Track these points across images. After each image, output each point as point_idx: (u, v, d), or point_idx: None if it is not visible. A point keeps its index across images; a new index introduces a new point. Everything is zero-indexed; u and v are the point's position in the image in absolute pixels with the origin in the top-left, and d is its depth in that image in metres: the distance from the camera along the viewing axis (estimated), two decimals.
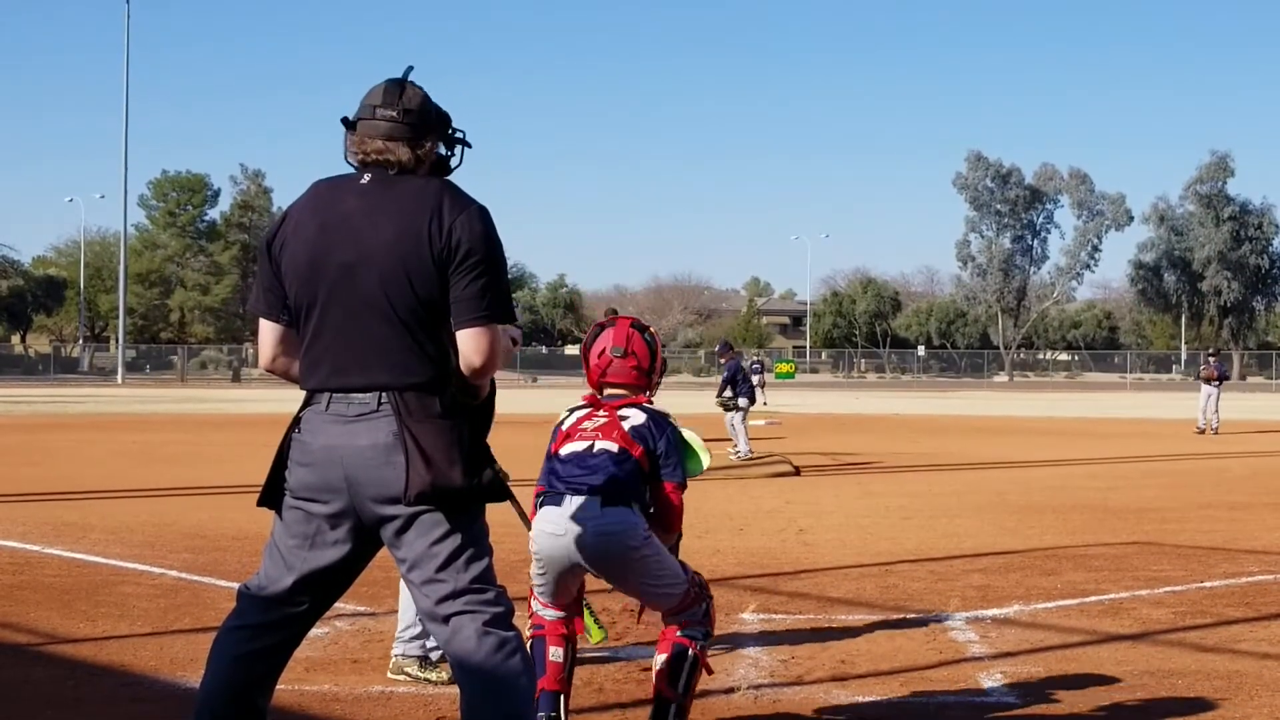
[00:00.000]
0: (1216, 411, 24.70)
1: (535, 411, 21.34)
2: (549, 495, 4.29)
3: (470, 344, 3.36)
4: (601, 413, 4.43)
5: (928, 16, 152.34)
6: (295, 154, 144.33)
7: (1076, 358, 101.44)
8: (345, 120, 3.55)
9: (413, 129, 3.49)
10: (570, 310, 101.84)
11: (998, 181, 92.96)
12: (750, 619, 6.45)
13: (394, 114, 3.48)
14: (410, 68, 3.60)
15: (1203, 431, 24.40)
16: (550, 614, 4.40)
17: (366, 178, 3.47)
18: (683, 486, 4.43)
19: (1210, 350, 28.02)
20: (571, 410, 4.53)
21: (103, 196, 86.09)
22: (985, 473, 15.94)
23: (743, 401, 17.38)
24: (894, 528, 10.22)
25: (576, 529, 4.18)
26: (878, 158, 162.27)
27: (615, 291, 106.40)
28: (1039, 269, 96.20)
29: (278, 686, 3.55)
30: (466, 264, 3.35)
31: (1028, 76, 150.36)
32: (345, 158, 3.57)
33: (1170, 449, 20.29)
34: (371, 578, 7.53)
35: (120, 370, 64.78)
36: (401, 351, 3.35)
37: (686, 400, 37.92)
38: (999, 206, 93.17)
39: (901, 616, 6.57)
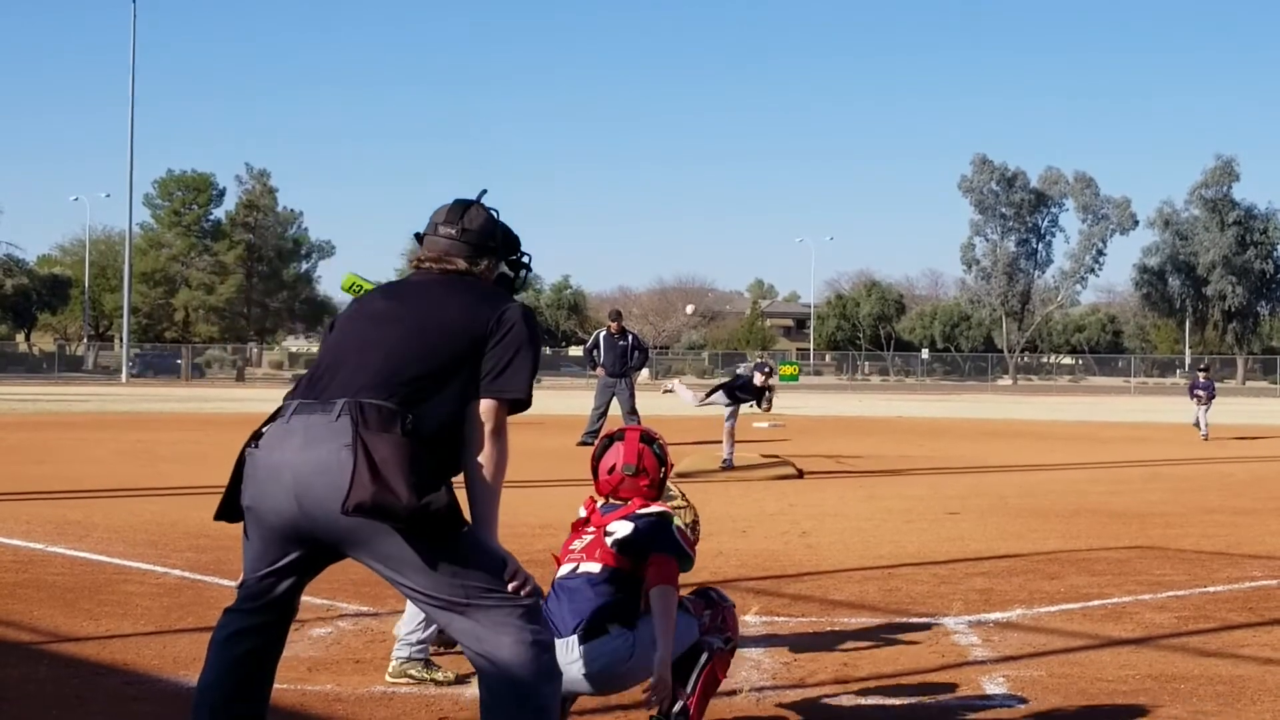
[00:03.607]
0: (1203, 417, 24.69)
1: (538, 413, 21.32)
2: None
3: (487, 410, 3.44)
4: (590, 529, 4.44)
5: (933, 20, 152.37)
6: (301, 153, 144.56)
7: (1080, 361, 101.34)
8: (417, 235, 3.75)
9: (471, 248, 3.65)
10: (574, 311, 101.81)
11: (1003, 185, 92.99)
12: (753, 621, 6.45)
13: (454, 232, 3.65)
14: (484, 191, 3.77)
15: (1208, 438, 24.41)
16: None
17: (424, 270, 3.67)
18: (678, 557, 4.32)
19: (1202, 366, 28.12)
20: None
21: (108, 195, 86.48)
22: (988, 476, 15.93)
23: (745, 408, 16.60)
24: (897, 531, 10.21)
25: (571, 670, 4.11)
26: (882, 160, 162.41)
27: (619, 293, 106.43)
28: (1043, 272, 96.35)
29: (280, 686, 3.58)
30: (502, 343, 3.47)
31: (1033, 80, 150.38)
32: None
33: (1174, 453, 20.27)
34: (374, 578, 7.55)
35: (124, 369, 64.85)
36: (390, 379, 3.40)
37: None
38: (1004, 210, 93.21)
39: (904, 619, 6.57)
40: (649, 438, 4.64)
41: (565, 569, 4.37)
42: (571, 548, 4.43)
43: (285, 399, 3.54)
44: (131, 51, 64.08)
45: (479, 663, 3.41)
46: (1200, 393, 24.82)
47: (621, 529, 4.37)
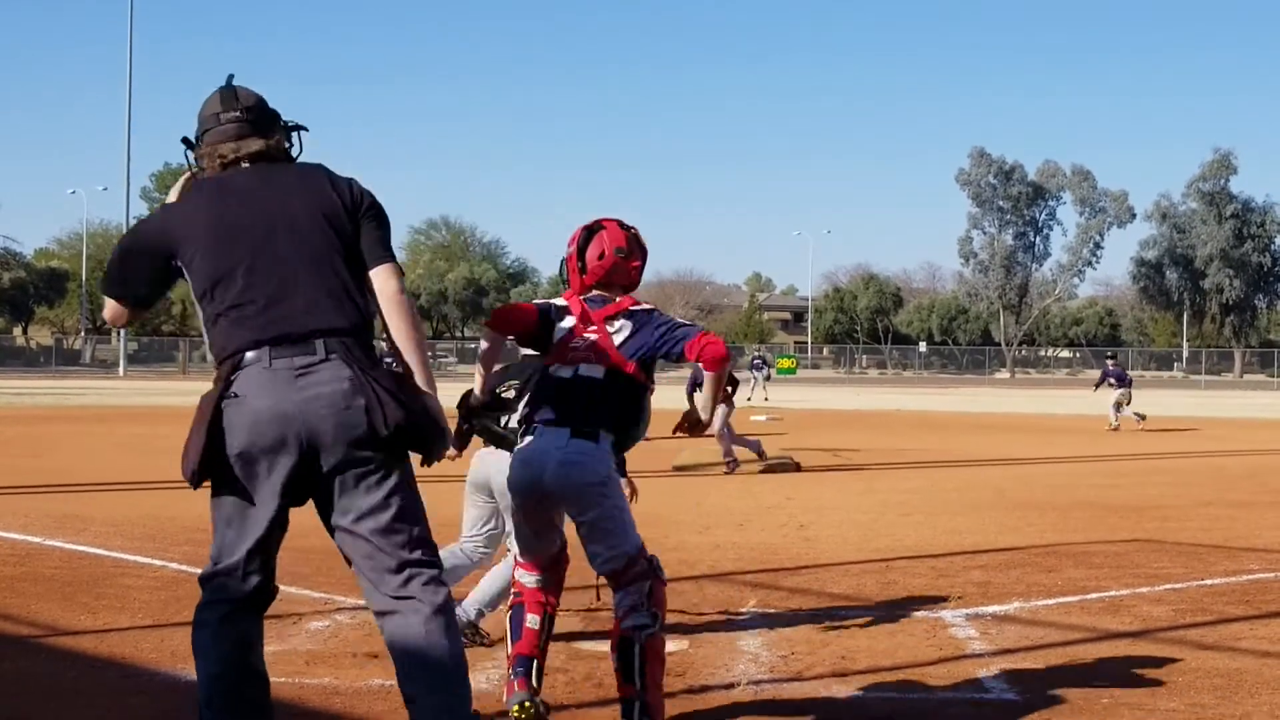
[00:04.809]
0: (1122, 409, 24.61)
1: None
2: (530, 429, 4.35)
3: (385, 277, 3.59)
4: (592, 328, 4.40)
5: (931, 12, 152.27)
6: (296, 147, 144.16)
7: (1078, 355, 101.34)
8: (187, 140, 3.74)
9: (256, 125, 3.69)
10: None
11: (1000, 178, 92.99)
12: (750, 614, 6.46)
13: (238, 114, 3.68)
14: (231, 75, 3.80)
15: (1116, 428, 24.37)
16: (531, 580, 4.52)
17: (246, 165, 3.64)
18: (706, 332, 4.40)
19: (1109, 355, 28.27)
20: (558, 310, 4.48)
21: (105, 189, 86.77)
22: (986, 469, 15.94)
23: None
24: (894, 524, 10.22)
25: (544, 460, 4.23)
26: (880, 153, 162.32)
27: None
28: (1041, 266, 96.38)
29: (278, 679, 3.58)
30: (371, 213, 3.64)
31: (1031, 73, 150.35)
32: (195, 173, 3.72)
33: (1171, 447, 20.29)
34: None
35: (122, 363, 64.81)
36: (334, 299, 3.52)
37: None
38: (1001, 203, 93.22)
39: (902, 613, 6.57)
40: (627, 224, 4.60)
41: (566, 371, 4.34)
42: (573, 345, 4.37)
43: (229, 342, 3.48)
44: (129, 44, 63.99)
45: (398, 619, 3.51)
46: (1113, 380, 24.81)
47: (624, 328, 4.39)
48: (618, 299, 4.49)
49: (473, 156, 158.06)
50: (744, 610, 6.57)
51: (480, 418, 4.60)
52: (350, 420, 3.40)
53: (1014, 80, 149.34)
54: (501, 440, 4.76)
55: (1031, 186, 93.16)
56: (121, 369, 63.57)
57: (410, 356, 3.57)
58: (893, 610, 6.63)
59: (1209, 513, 11.27)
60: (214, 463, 3.45)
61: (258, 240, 3.52)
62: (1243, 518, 10.98)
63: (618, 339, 4.37)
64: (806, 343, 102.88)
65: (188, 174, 3.77)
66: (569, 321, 4.43)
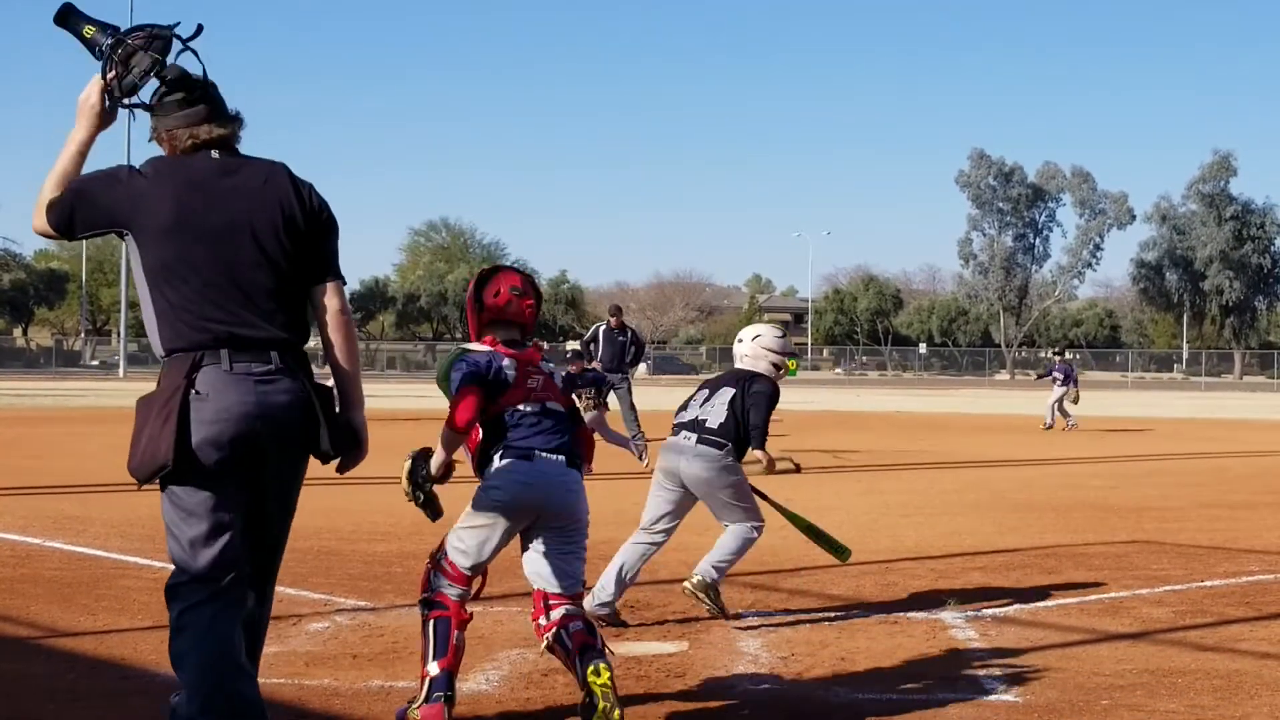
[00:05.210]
0: (1061, 407, 24.37)
1: None
2: (514, 451, 4.59)
3: (332, 294, 3.75)
4: (534, 370, 4.74)
5: (931, 14, 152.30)
6: (294, 145, 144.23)
7: (1078, 356, 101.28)
8: (149, 105, 3.80)
9: (219, 109, 3.80)
10: (571, 306, 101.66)
11: (1000, 179, 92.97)
12: (750, 615, 6.46)
13: (208, 95, 3.79)
14: (200, 25, 3.92)
15: (1050, 428, 24.28)
16: (455, 593, 4.61)
17: (213, 154, 3.70)
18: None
19: (1056, 350, 27.97)
20: (490, 359, 4.65)
21: None
22: (986, 471, 15.94)
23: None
24: (894, 525, 10.22)
25: (549, 483, 4.59)
26: (880, 155, 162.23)
27: (617, 288, 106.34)
28: (1041, 267, 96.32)
29: (278, 681, 3.58)
30: (325, 225, 3.77)
31: (1031, 75, 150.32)
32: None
33: (1171, 448, 20.29)
34: (371, 573, 7.56)
35: (122, 364, 64.79)
36: (286, 310, 3.67)
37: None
38: (1001, 204, 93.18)
39: (901, 614, 6.57)
40: (524, 271, 5.01)
41: (533, 406, 4.65)
42: (530, 385, 4.68)
43: (188, 336, 3.57)
44: None
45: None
46: (1059, 375, 24.55)
47: (553, 369, 4.91)
48: (528, 347, 4.82)
49: (473, 157, 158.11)
50: (743, 611, 6.57)
51: (428, 485, 4.65)
52: (299, 429, 3.65)
53: (1014, 81, 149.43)
54: (433, 508, 4.71)
55: (1031, 188, 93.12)
56: (121, 370, 63.53)
57: (349, 375, 3.81)
58: (892, 611, 6.63)
59: (1209, 514, 11.27)
60: (183, 459, 3.51)
61: (219, 241, 3.58)
62: (1243, 519, 10.98)
63: (557, 383, 4.85)
64: (806, 344, 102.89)
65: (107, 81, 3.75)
66: (509, 364, 4.67)
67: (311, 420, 3.66)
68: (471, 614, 4.68)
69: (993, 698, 5.00)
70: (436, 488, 4.62)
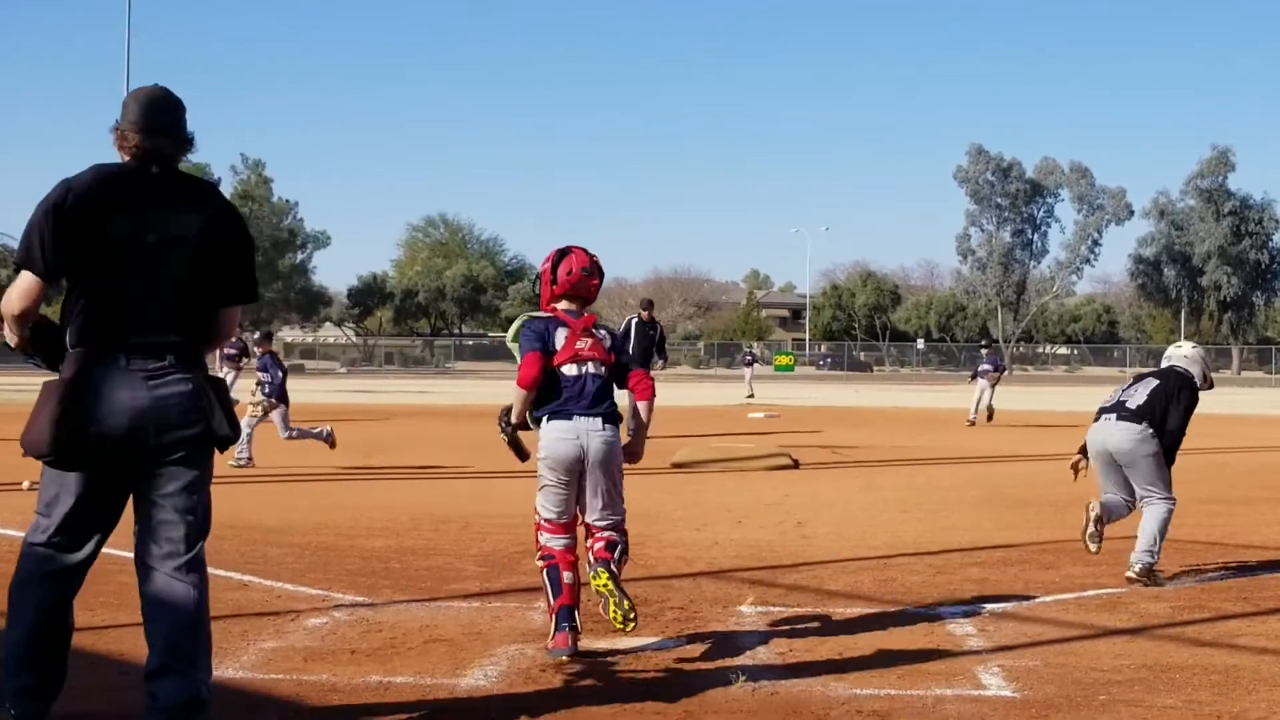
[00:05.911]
0: (988, 402, 24.26)
1: None
2: (558, 413, 5.40)
3: (232, 319, 4.19)
4: (585, 335, 5.50)
5: (929, 9, 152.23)
6: (295, 144, 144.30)
7: (1076, 352, 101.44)
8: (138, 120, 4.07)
9: (177, 128, 4.15)
10: None
11: (998, 175, 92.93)
12: (748, 611, 6.46)
13: (172, 115, 4.16)
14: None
15: (974, 423, 24.23)
16: (559, 543, 5.42)
17: (155, 169, 4.03)
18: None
19: (983, 343, 27.76)
20: (546, 326, 5.50)
21: None
22: (984, 466, 15.94)
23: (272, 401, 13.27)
24: (892, 521, 10.22)
25: (587, 437, 5.37)
26: (878, 151, 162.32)
27: (614, 283, 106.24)
28: (1039, 263, 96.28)
29: (276, 676, 3.59)
30: (242, 248, 4.15)
31: (1029, 70, 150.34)
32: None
33: None
34: (369, 568, 7.55)
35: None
36: (190, 317, 4.03)
37: (685, 394, 38.01)
38: (999, 200, 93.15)
39: (899, 609, 6.57)
40: (591, 252, 5.69)
41: (577, 369, 5.43)
42: (578, 347, 5.45)
43: (93, 335, 3.91)
44: (126, 41, 63.75)
45: (163, 589, 4.10)
46: (987, 366, 24.44)
47: (603, 334, 5.59)
48: (585, 314, 5.61)
49: (471, 154, 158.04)
50: (742, 607, 6.57)
51: (511, 430, 5.65)
52: (189, 419, 3.97)
53: (1012, 77, 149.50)
54: (519, 450, 5.76)
55: (1029, 184, 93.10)
56: None
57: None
58: (890, 607, 6.64)
59: (1207, 509, 11.26)
60: (71, 440, 3.87)
61: (145, 252, 3.93)
62: (1241, 514, 10.99)
63: (605, 344, 5.56)
64: (804, 340, 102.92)
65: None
66: (563, 332, 5.49)
67: (204, 409, 3.98)
68: (573, 558, 5.42)
69: (990, 693, 5.01)
70: (521, 434, 5.59)
